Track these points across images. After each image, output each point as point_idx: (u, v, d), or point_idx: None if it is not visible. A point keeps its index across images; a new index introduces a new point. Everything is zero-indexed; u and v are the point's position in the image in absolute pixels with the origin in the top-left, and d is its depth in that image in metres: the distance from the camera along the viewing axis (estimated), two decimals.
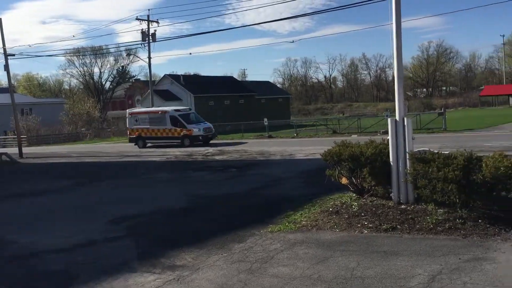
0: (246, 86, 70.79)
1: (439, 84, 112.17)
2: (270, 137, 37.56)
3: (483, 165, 7.88)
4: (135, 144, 34.27)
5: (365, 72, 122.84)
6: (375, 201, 9.26)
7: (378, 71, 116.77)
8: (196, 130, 32.62)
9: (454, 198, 7.92)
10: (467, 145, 19.55)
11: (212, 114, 54.87)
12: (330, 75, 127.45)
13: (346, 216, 8.70)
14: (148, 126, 33.71)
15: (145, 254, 7.72)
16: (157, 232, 9.32)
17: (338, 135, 34.01)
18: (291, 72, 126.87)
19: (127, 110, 37.17)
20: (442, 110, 36.14)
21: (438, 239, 7.22)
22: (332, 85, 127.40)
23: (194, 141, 32.11)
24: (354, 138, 27.51)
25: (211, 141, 33.44)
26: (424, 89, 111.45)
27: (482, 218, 7.75)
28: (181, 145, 31.87)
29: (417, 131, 31.09)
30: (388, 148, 9.15)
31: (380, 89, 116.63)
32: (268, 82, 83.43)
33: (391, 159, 9.01)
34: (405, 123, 8.86)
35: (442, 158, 8.28)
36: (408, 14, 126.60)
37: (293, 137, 35.61)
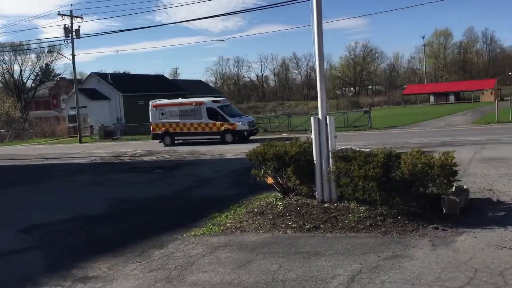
0: (178, 85, 69.70)
1: (365, 83, 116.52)
2: None
3: (402, 162, 8.03)
4: (160, 141, 29.81)
5: (296, 71, 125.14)
6: (300, 200, 9.22)
7: (308, 70, 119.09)
8: (240, 124, 28.32)
9: (374, 196, 8.02)
10: (390, 142, 20.29)
11: (142, 114, 53.33)
12: (262, 74, 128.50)
13: (271, 217, 8.57)
14: (178, 120, 29.33)
15: (56, 266, 7.15)
16: (72, 241, 8.71)
17: (269, 133, 34.19)
18: (224, 71, 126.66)
19: (150, 102, 31.31)
20: (368, 109, 37.41)
21: (359, 237, 7.24)
22: (264, 84, 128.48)
23: (238, 136, 28.05)
24: (284, 136, 27.77)
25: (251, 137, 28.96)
26: (352, 88, 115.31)
27: (402, 214, 7.89)
28: (222, 142, 28.00)
29: (344, 129, 31.97)
30: (312, 147, 9.13)
31: (311, 88, 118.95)
32: (200, 81, 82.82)
33: (314, 158, 9.00)
34: (328, 122, 8.88)
35: (363, 156, 8.37)
36: (334, 15, 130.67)
37: None
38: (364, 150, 8.81)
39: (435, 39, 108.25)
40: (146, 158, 23.04)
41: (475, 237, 6.79)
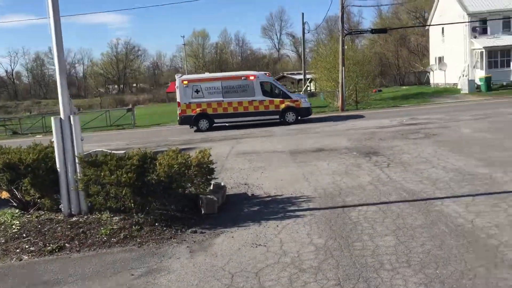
0: None
1: (130, 80, 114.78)
2: None
3: (158, 164, 7.44)
4: (191, 127, 23.38)
5: (53, 67, 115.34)
6: (43, 216, 7.81)
7: (67, 66, 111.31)
8: (304, 100, 23.60)
9: (129, 203, 7.24)
10: (154, 140, 19.85)
11: None
12: (13, 70, 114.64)
13: (3, 241, 6.98)
14: (222, 99, 22.95)
15: None
16: None
17: (20, 136, 30.32)
18: None
19: (177, 76, 24.18)
20: (131, 106, 36.46)
21: (112, 253, 6.34)
22: (16, 81, 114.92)
23: (303, 115, 23.40)
24: (38, 138, 24.73)
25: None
26: (116, 86, 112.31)
27: (159, 220, 7.30)
28: (282, 122, 22.94)
29: (107, 128, 30.47)
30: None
31: (72, 86, 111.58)
32: None
33: (58, 165, 7.70)
34: (72, 122, 7.70)
35: (115, 160, 7.47)
36: (91, 9, 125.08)
37: None
38: (116, 152, 7.92)
39: (194, 39, 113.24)
40: None
41: (233, 237, 6.61)
